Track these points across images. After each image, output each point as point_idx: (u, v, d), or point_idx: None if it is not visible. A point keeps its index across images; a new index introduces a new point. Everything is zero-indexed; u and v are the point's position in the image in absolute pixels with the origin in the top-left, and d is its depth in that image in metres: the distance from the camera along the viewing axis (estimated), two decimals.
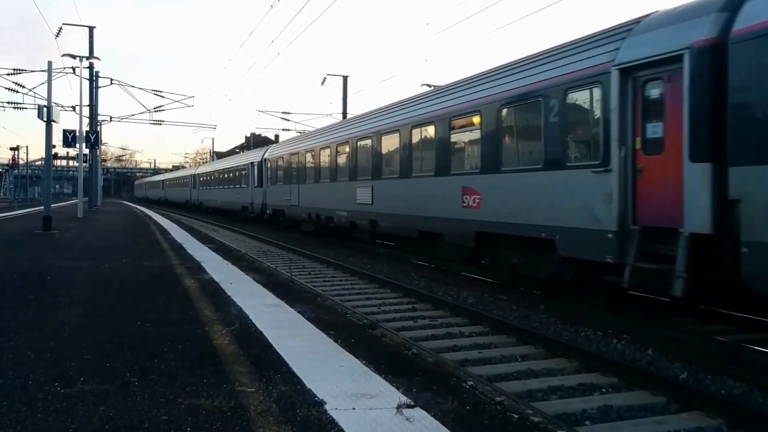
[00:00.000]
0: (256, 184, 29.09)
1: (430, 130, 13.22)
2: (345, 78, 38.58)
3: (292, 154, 23.86)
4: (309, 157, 21.65)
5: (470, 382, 4.94)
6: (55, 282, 9.00)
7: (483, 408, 4.08)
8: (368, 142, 16.37)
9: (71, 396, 4.05)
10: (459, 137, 12.37)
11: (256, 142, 67.22)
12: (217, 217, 38.75)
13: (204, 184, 45.32)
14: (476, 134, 11.47)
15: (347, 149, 17.95)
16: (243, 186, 32.07)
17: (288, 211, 23.98)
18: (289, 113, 43.45)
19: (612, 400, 5.57)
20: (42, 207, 22.72)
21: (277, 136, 63.62)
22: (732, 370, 6.26)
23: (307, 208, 21.36)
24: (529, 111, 10.12)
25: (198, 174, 48.84)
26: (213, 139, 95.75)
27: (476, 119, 11.48)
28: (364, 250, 17.86)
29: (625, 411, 5.32)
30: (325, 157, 19.94)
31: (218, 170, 40.48)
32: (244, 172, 31.92)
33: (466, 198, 11.51)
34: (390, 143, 15.19)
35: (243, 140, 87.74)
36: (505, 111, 10.61)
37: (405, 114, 14.61)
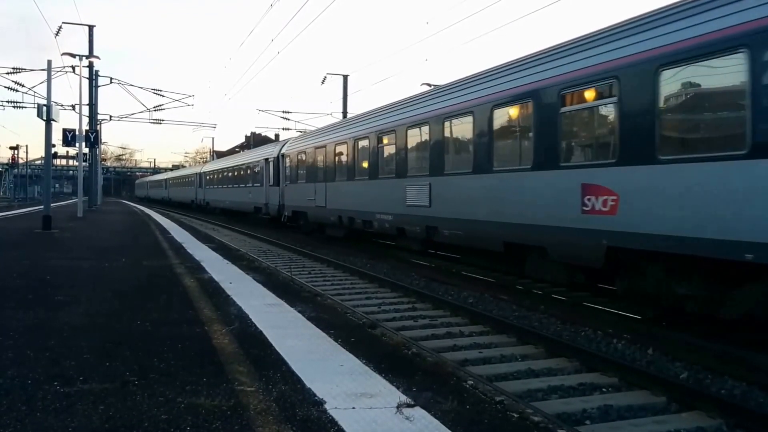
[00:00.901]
0: (271, 183, 26.21)
1: (525, 109, 9.82)
2: (345, 77, 38.57)
3: (317, 148, 20.10)
4: (340, 151, 18.19)
5: (470, 382, 4.93)
6: (54, 281, 9.00)
7: (483, 407, 4.08)
8: (424, 129, 13.16)
9: (71, 395, 4.05)
10: (578, 115, 8.89)
11: (256, 141, 67.19)
12: (219, 218, 38.34)
13: (211, 183, 41.93)
14: (610, 109, 8.13)
15: (392, 140, 14.69)
16: (256, 185, 28.89)
17: (312, 213, 20.62)
18: (289, 112, 43.52)
19: (612, 399, 5.56)
20: (41, 206, 22.72)
21: (277, 135, 63.63)
22: (732, 370, 6.26)
23: (337, 210, 18.06)
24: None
25: (204, 172, 45.32)
26: (213, 138, 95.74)
27: (612, 88, 8.05)
28: (364, 250, 17.85)
29: (625, 411, 5.32)
30: (361, 149, 16.59)
31: (227, 168, 36.97)
32: (257, 170, 28.87)
33: (589, 199, 8.36)
34: (459, 130, 12.01)
35: (243, 139, 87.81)
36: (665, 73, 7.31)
37: (483, 90, 11.15)
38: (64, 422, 3.59)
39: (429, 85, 24.66)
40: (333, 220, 18.40)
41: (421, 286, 11.58)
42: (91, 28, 34.65)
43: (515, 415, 4.05)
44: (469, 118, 11.34)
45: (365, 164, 16.27)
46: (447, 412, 3.89)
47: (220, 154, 75.65)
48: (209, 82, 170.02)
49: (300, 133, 31.01)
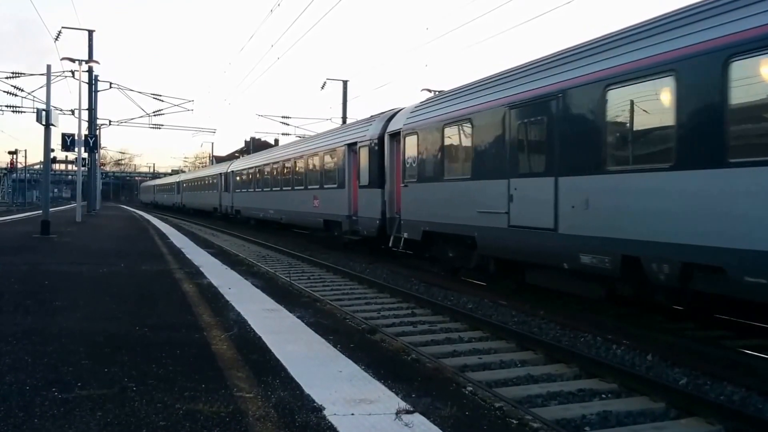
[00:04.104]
0: (365, 183, 16.29)
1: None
2: (345, 82, 38.65)
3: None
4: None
5: (469, 388, 4.93)
6: (53, 286, 8.98)
7: (482, 413, 4.07)
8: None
9: (69, 401, 4.04)
10: None
11: (255, 146, 67.21)
12: (216, 222, 37.73)
13: (244, 185, 31.56)
14: None
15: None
16: (328, 187, 19.01)
17: (497, 239, 10.70)
18: (288, 117, 43.54)
19: (611, 405, 5.55)
20: (40, 211, 22.70)
21: (276, 141, 63.65)
22: (731, 376, 6.25)
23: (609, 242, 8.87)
24: None
25: (234, 171, 34.27)
26: (212, 143, 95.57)
27: None
28: (363, 255, 17.84)
29: (624, 416, 5.31)
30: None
31: (271, 162, 26.59)
32: (330, 165, 19.10)
33: None
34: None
35: (243, 144, 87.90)
36: None
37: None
38: (62, 428, 3.58)
39: (429, 90, 21.09)
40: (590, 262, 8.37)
41: (420, 292, 11.57)
42: (90, 32, 34.68)
43: (514, 422, 4.05)
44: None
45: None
46: (446, 418, 3.88)
47: (219, 159, 75.32)
48: (209, 87, 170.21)
49: (435, 93, 16.71)
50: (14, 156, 73.65)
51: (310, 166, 21.04)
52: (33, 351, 5.28)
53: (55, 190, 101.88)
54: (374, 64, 64.03)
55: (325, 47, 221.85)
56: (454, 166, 12.16)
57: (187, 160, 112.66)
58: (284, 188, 24.20)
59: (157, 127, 43.09)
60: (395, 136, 14.83)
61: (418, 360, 5.98)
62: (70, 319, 6.70)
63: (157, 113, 40.22)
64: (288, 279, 12.23)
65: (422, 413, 3.93)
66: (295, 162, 23.08)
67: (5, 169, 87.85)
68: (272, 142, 65.45)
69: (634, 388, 5.94)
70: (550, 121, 9.19)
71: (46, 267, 11.25)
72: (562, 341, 7.87)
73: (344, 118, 37.89)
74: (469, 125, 11.33)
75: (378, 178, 15.55)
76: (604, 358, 7.12)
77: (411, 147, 13.74)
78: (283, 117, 43.10)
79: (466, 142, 11.60)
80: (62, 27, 37.48)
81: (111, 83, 38.00)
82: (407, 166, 13.89)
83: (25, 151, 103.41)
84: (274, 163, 26.20)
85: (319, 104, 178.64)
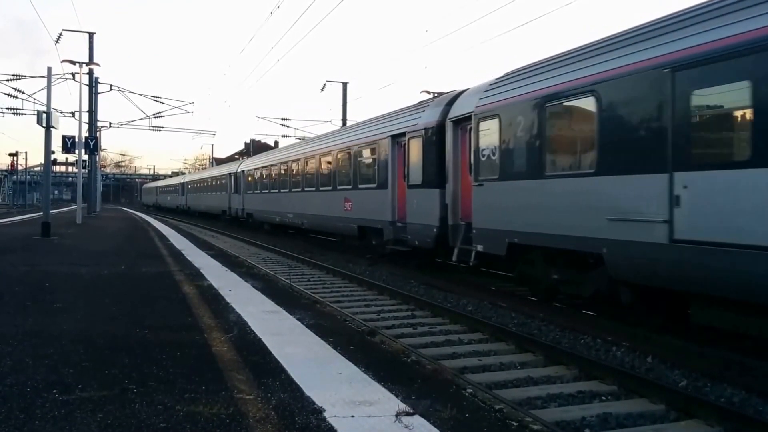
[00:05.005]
0: (416, 182, 13.40)
1: None
2: (345, 84, 38.71)
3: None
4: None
5: (469, 390, 4.94)
6: (53, 288, 8.99)
7: (482, 415, 4.08)
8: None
9: (69, 403, 4.04)
10: None
11: (255, 148, 67.23)
12: (216, 224, 37.76)
13: (257, 186, 28.18)
14: None
15: None
16: (365, 187, 16.22)
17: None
18: (288, 119, 43.62)
19: (611, 407, 5.56)
20: (41, 213, 22.71)
21: (276, 143, 63.67)
22: (731, 378, 6.26)
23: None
24: None
25: (244, 171, 30.83)
26: (212, 145, 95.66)
27: None
28: (363, 257, 17.84)
29: (624, 418, 5.31)
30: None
31: (294, 158, 22.99)
32: (367, 161, 16.32)
33: None
34: None
35: (243, 146, 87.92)
36: None
37: None
38: (62, 430, 3.59)
39: (429, 92, 20.91)
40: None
41: (420, 294, 11.57)
42: (91, 35, 34.77)
43: (514, 423, 4.05)
44: None
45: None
46: (446, 420, 3.89)
47: (219, 161, 75.16)
48: (209, 89, 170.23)
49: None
50: (15, 158, 73.63)
51: (341, 163, 18.16)
52: (33, 352, 5.28)
53: (56, 192, 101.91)
54: (374, 66, 64.27)
55: (325, 49, 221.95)
56: (562, 157, 9.21)
57: (187, 162, 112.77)
58: (306, 189, 21.29)
59: (158, 129, 43.12)
60: (461, 122, 11.99)
61: (418, 362, 5.99)
62: (70, 320, 6.70)
63: (158, 115, 40.28)
64: (288, 281, 12.24)
65: (422, 415, 3.94)
66: (320, 159, 20.07)
67: (6, 170, 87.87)
68: (272, 144, 65.49)
69: (633, 390, 5.94)
70: (759, 83, 6.08)
71: (47, 268, 11.26)
72: (561, 343, 7.88)
73: (344, 120, 37.93)
74: (592, 99, 8.26)
75: (436, 175, 12.68)
76: (604, 359, 7.13)
77: (488, 134, 10.68)
78: (283, 119, 43.23)
79: (586, 123, 8.53)
80: (63, 29, 37.60)
81: (111, 85, 38.13)
82: (482, 159, 10.82)
83: (26, 153, 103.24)
84: (293, 160, 23.01)
85: (319, 106, 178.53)
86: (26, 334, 5.97)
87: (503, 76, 11.01)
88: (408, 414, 3.94)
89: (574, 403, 5.74)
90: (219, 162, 72.61)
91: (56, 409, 3.92)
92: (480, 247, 10.85)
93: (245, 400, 4.17)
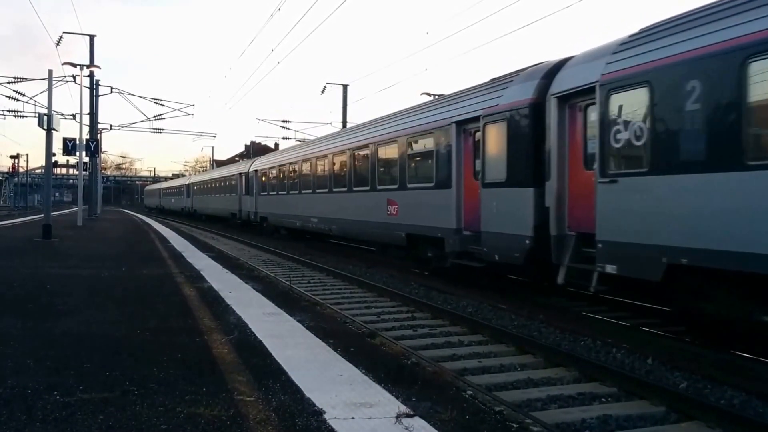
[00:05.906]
0: (498, 179, 10.62)
1: None
2: (345, 87, 38.71)
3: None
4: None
5: (469, 392, 4.94)
6: (54, 290, 9.00)
7: (482, 417, 4.08)
8: None
9: (70, 405, 4.05)
10: None
11: (255, 150, 67.27)
12: (216, 225, 37.81)
13: (272, 187, 25.24)
14: None
15: None
16: (416, 186, 13.50)
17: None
18: (288, 121, 43.69)
19: (611, 409, 5.56)
20: (41, 215, 22.73)
21: (276, 145, 63.74)
22: (731, 380, 6.26)
23: None
24: None
25: (257, 171, 27.66)
26: (213, 147, 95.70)
27: None
28: (363, 259, 17.84)
29: (624, 420, 5.31)
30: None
31: (320, 154, 19.81)
32: (419, 154, 13.58)
33: None
34: None
35: (243, 149, 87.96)
36: None
37: None
38: None
39: (429, 94, 19.10)
40: None
41: (420, 295, 11.57)
42: (92, 37, 34.79)
43: (515, 425, 4.06)
44: None
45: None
46: (446, 422, 3.90)
47: (219, 163, 75.16)
48: (209, 91, 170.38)
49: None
50: (16, 160, 73.67)
51: (382, 159, 15.22)
52: (34, 354, 5.29)
53: (57, 194, 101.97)
54: (375, 68, 64.28)
55: (325, 52, 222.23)
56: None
57: (187, 164, 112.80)
58: (335, 189, 18.23)
59: (158, 131, 43.15)
60: (571, 98, 9.14)
61: (418, 364, 5.99)
62: (71, 322, 6.71)
63: (158, 118, 40.22)
64: (288, 283, 12.25)
65: (422, 417, 3.94)
66: (353, 154, 16.93)
67: (7, 173, 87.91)
68: (272, 146, 65.53)
69: (633, 392, 5.94)
70: None
71: (48, 271, 11.27)
72: (561, 345, 7.88)
73: (344, 122, 37.95)
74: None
75: (529, 170, 9.85)
76: (604, 361, 7.13)
77: (629, 109, 7.90)
78: (283, 121, 43.28)
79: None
80: (64, 32, 37.69)
81: (112, 88, 38.15)
82: (615, 145, 8.07)
83: (27, 155, 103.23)
84: (318, 157, 19.70)
85: (319, 108, 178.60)
86: (27, 336, 5.99)
87: (650, 27, 7.95)
88: (408, 416, 3.95)
89: (574, 405, 5.74)
90: (219, 164, 72.56)
91: (57, 411, 3.93)
92: (612, 269, 8.04)
93: (246, 401, 4.18)
